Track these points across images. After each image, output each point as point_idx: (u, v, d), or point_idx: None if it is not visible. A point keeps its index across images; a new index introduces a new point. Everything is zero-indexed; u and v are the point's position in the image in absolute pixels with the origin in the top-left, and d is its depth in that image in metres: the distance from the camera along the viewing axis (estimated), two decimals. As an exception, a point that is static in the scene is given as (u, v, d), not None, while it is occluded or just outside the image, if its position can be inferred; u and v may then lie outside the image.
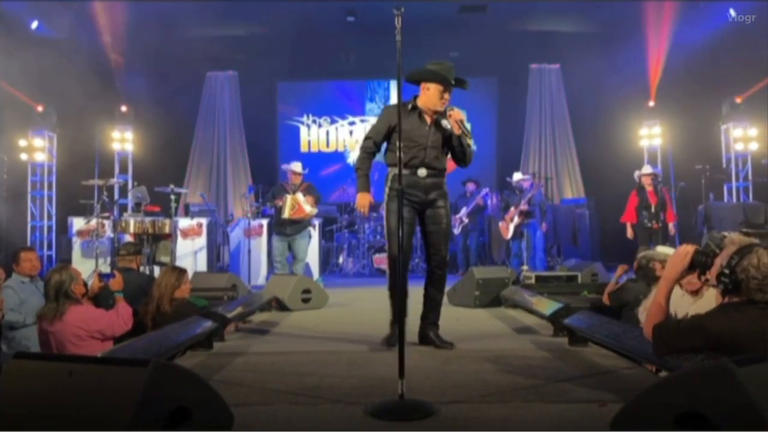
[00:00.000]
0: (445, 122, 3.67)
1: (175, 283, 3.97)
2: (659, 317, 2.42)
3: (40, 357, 2.00)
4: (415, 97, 3.79)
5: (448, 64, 3.68)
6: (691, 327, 2.25)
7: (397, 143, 3.53)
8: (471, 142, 3.76)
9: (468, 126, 3.86)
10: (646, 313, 3.72)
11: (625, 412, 1.98)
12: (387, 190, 3.76)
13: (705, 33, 8.89)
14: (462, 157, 3.74)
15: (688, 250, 2.35)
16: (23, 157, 9.16)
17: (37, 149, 9.23)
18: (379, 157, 3.98)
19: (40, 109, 9.31)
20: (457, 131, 3.61)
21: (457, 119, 3.58)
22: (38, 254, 4.47)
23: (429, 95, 3.67)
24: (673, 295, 2.85)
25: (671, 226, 7.36)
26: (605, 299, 4.38)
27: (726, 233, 2.52)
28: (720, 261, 2.22)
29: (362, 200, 3.78)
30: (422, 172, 3.66)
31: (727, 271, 2.15)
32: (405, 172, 3.63)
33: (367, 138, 3.84)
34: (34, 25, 9.32)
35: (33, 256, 4.33)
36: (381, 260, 9.60)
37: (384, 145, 3.89)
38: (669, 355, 2.39)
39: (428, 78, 3.67)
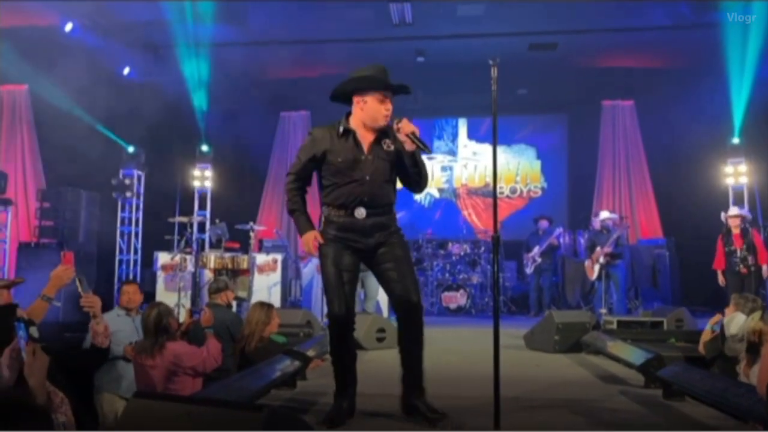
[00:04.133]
0: (387, 141, 2.91)
1: (264, 320, 4.07)
2: (775, 375, 2.27)
3: (158, 396, 2.09)
4: (347, 116, 2.98)
5: (379, 65, 2.96)
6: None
7: (331, 176, 2.90)
8: (428, 152, 2.93)
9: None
10: (756, 371, 3.50)
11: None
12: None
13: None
14: (417, 180, 2.92)
15: None
16: (114, 194, 9.75)
17: (127, 187, 9.81)
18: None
19: (131, 149, 9.93)
20: (409, 147, 2.82)
21: (407, 132, 2.78)
22: (138, 288, 4.57)
23: (367, 109, 2.87)
24: None
25: (765, 269, 6.92)
26: (701, 348, 4.14)
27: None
28: None
29: (308, 237, 2.93)
30: (361, 212, 2.88)
31: None
32: (339, 213, 2.91)
33: (289, 176, 3.06)
34: (126, 71, 10.02)
35: (131, 290, 4.44)
36: (450, 298, 9.52)
37: (316, 176, 3.05)
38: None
39: (362, 87, 2.88)
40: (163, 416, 1.88)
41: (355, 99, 2.92)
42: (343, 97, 2.98)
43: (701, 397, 3.22)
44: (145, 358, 3.53)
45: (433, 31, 9.58)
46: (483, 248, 9.81)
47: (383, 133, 2.93)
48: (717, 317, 4.41)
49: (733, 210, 7.27)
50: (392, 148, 2.93)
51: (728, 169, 9.73)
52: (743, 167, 9.60)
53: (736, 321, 3.78)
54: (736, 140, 9.68)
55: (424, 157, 3.04)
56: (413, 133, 2.80)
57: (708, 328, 4.33)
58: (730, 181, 9.73)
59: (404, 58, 10.55)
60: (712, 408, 3.16)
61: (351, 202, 2.88)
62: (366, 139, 2.91)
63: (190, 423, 1.83)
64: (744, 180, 9.62)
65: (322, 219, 3.00)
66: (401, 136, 2.84)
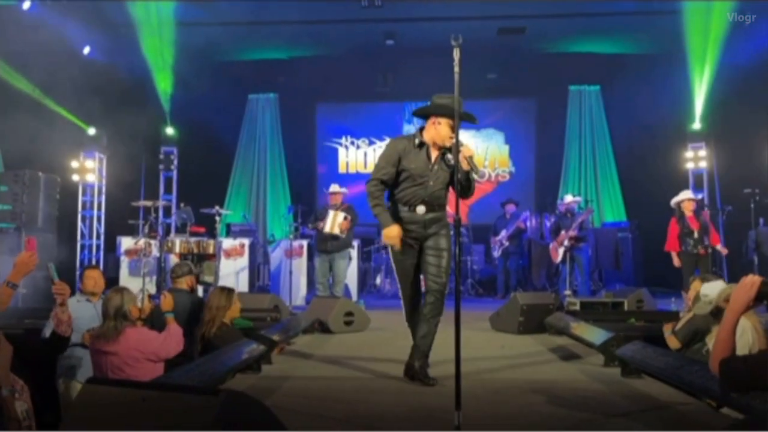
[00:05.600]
0: (449, 156, 3.56)
1: (225, 305, 4.03)
2: (726, 351, 2.33)
3: (112, 383, 2.05)
4: (421, 131, 3.66)
5: (457, 97, 3.41)
6: (758, 362, 2.17)
7: (403, 179, 3.59)
8: (477, 176, 3.58)
9: (476, 161, 3.61)
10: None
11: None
12: None
13: (754, 52, 8.69)
14: (466, 192, 3.57)
15: (754, 280, 2.24)
16: (75, 177, 9.48)
17: (88, 170, 9.54)
18: None
19: (91, 131, 9.65)
20: (465, 167, 3.44)
21: (466, 156, 3.41)
22: (101, 273, 4.48)
23: (439, 129, 3.55)
24: None
25: (719, 248, 7.13)
26: (673, 342, 4.05)
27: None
28: None
29: (391, 233, 3.55)
30: (421, 209, 3.59)
31: None
32: (403, 208, 3.62)
33: (373, 180, 3.62)
34: (86, 50, 9.70)
35: (95, 274, 4.36)
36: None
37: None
38: (737, 391, 2.30)
39: (439, 112, 3.56)
40: (117, 402, 1.84)
41: (432, 119, 3.60)
42: (423, 115, 3.69)
43: (657, 375, 3.32)
44: (103, 343, 3.46)
45: (403, 13, 9.50)
46: (452, 232, 9.88)
47: (447, 149, 3.60)
48: (671, 325, 4.24)
49: (686, 194, 7.39)
50: (452, 162, 3.53)
51: (689, 153, 9.97)
52: (703, 152, 9.85)
53: (714, 285, 3.72)
54: (697, 125, 9.90)
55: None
56: (470, 157, 3.45)
57: (668, 333, 4.01)
58: (690, 166, 9.97)
59: (373, 41, 10.47)
60: (667, 385, 3.26)
61: (415, 201, 3.60)
62: (434, 152, 3.61)
63: (144, 408, 1.79)
64: (704, 164, 9.87)
65: (390, 210, 3.68)
66: (461, 157, 3.38)
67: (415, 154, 3.60)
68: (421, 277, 3.75)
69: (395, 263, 3.73)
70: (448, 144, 3.55)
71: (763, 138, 9.30)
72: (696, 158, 9.92)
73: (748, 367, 2.16)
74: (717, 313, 3.47)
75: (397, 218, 3.60)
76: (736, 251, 8.71)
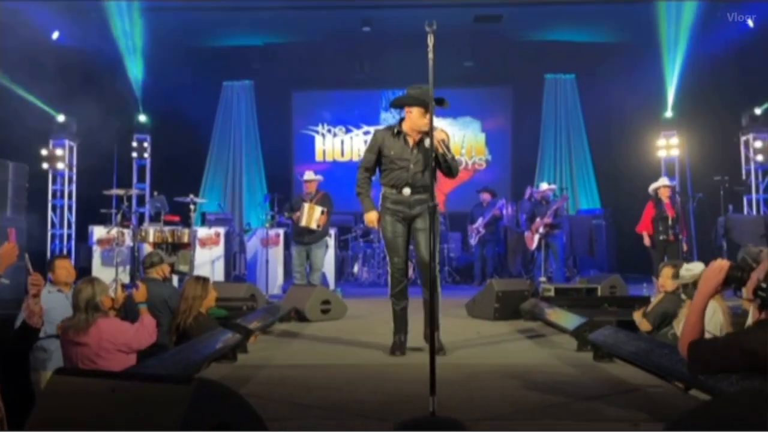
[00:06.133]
0: (427, 141, 3.80)
1: (201, 294, 3.99)
2: (694, 334, 2.38)
3: (81, 373, 2.01)
4: (401, 121, 4.04)
5: (426, 87, 3.64)
6: (726, 344, 2.22)
7: (387, 164, 3.99)
8: (452, 157, 3.96)
9: (452, 144, 3.99)
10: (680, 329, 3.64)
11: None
12: (380, 207, 4.08)
13: (725, 43, 8.84)
14: (447, 172, 3.95)
15: (722, 265, 2.29)
16: (44, 166, 9.26)
17: (58, 158, 9.33)
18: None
19: (61, 118, 9.42)
20: (439, 150, 3.77)
21: (438, 139, 3.74)
22: (71, 262, 4.46)
23: (412, 118, 3.94)
24: None
25: (683, 240, 7.30)
26: (644, 326, 4.08)
27: (763, 248, 2.47)
28: (757, 275, 2.17)
29: (370, 217, 4.07)
30: (407, 191, 3.95)
31: (764, 285, 2.10)
32: (392, 191, 4.00)
33: (360, 168, 4.12)
34: (55, 35, 9.45)
35: (67, 264, 4.34)
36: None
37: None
38: (704, 373, 2.36)
39: (409, 102, 3.95)
40: (86, 392, 1.81)
41: (406, 109, 3.99)
42: (399, 106, 4.13)
43: (628, 359, 3.38)
44: (74, 335, 3.40)
45: (379, 0, 9.44)
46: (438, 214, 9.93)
47: (425, 134, 3.87)
48: (641, 311, 4.29)
49: (663, 180, 7.55)
50: (429, 146, 3.68)
51: (661, 141, 10.13)
52: (675, 140, 10.02)
53: (699, 264, 3.80)
54: (669, 114, 10.06)
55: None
56: (443, 141, 3.82)
57: (639, 318, 4.22)
58: (662, 154, 10.14)
59: (350, 28, 10.39)
60: (638, 368, 3.32)
61: (400, 183, 3.96)
62: (412, 138, 3.97)
63: (114, 398, 1.77)
64: (676, 152, 10.05)
65: (381, 194, 4.06)
66: (435, 141, 3.65)
67: (393, 142, 3.99)
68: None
69: (384, 238, 4.07)
70: (424, 129, 3.87)
71: (732, 126, 9.50)
72: (668, 146, 10.09)
73: (715, 350, 2.21)
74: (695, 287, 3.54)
75: (387, 200, 4.01)
76: (706, 237, 8.91)
